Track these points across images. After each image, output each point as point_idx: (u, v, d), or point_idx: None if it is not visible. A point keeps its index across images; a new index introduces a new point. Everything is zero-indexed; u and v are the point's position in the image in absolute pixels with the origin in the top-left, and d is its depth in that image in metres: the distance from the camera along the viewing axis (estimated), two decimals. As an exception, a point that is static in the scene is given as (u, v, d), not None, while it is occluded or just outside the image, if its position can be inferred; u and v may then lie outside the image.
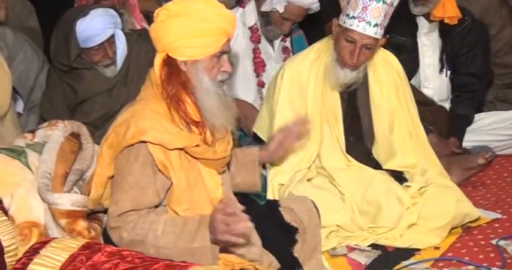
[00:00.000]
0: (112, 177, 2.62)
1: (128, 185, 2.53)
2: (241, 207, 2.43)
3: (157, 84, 2.59)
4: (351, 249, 3.29)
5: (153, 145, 2.51)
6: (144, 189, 2.53)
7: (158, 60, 2.59)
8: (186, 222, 2.50)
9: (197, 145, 2.57)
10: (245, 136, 3.80)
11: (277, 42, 4.25)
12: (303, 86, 3.51)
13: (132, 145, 2.52)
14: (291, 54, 4.25)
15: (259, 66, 4.18)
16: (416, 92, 3.86)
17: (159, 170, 2.55)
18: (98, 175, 2.64)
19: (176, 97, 2.55)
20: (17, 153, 2.81)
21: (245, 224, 2.36)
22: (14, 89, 3.57)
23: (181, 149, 2.55)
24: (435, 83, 4.30)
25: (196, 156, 2.59)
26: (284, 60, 4.16)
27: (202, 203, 2.62)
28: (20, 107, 3.85)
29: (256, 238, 2.71)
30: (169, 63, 2.56)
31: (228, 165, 2.86)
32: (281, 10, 3.99)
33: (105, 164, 2.60)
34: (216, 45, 2.55)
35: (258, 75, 4.19)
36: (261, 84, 4.18)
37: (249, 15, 4.18)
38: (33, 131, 3.02)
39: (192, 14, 2.52)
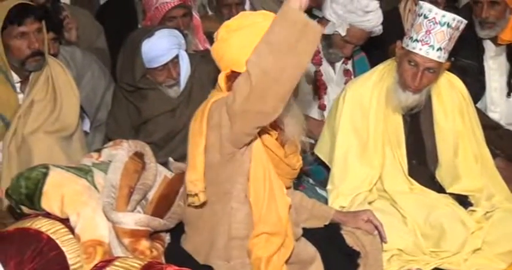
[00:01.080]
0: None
1: None
2: None
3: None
4: (413, 273, 3.26)
5: None
6: None
7: (222, 77, 2.59)
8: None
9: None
10: (320, 172, 3.71)
11: (338, 64, 4.23)
12: (365, 108, 3.49)
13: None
14: (352, 76, 4.22)
15: (320, 88, 4.17)
16: (482, 116, 3.80)
17: None
18: (194, 158, 2.56)
19: None
20: (84, 172, 2.86)
21: None
22: (81, 107, 3.64)
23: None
24: (502, 107, 4.24)
25: (271, 151, 2.59)
26: (345, 83, 4.14)
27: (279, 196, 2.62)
28: (86, 125, 3.92)
29: (318, 261, 2.70)
30: (235, 77, 2.53)
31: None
32: (343, 33, 3.97)
33: (197, 145, 2.55)
34: None
35: (319, 98, 4.18)
36: (322, 107, 4.16)
37: (311, 36, 4.17)
38: (99, 150, 3.07)
39: (250, 26, 2.53)
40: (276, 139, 2.61)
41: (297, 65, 2.35)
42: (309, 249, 2.73)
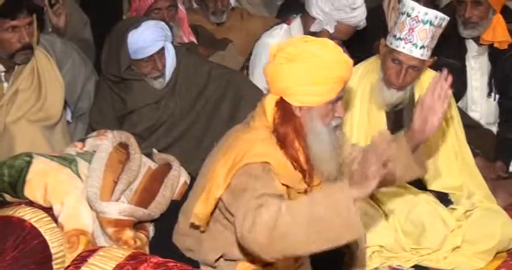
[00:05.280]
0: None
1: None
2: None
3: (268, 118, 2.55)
4: (393, 269, 3.28)
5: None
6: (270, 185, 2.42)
7: (271, 102, 2.53)
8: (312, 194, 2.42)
9: (299, 192, 2.54)
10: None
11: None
12: (348, 103, 3.51)
13: (250, 163, 2.43)
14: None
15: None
16: (463, 115, 3.83)
17: None
18: (211, 192, 2.50)
19: (288, 142, 2.50)
20: (68, 162, 2.85)
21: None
22: (62, 97, 3.61)
23: (286, 186, 2.50)
24: (482, 106, 4.28)
25: (292, 198, 2.52)
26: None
27: None
28: (68, 115, 3.88)
29: (305, 259, 2.71)
30: (283, 106, 2.51)
31: None
32: (331, 30, 3.98)
33: (217, 184, 2.47)
34: (334, 92, 2.50)
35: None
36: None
37: (295, 32, 4.16)
38: (83, 140, 3.07)
39: (311, 59, 2.47)
40: (305, 182, 2.55)
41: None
42: None
